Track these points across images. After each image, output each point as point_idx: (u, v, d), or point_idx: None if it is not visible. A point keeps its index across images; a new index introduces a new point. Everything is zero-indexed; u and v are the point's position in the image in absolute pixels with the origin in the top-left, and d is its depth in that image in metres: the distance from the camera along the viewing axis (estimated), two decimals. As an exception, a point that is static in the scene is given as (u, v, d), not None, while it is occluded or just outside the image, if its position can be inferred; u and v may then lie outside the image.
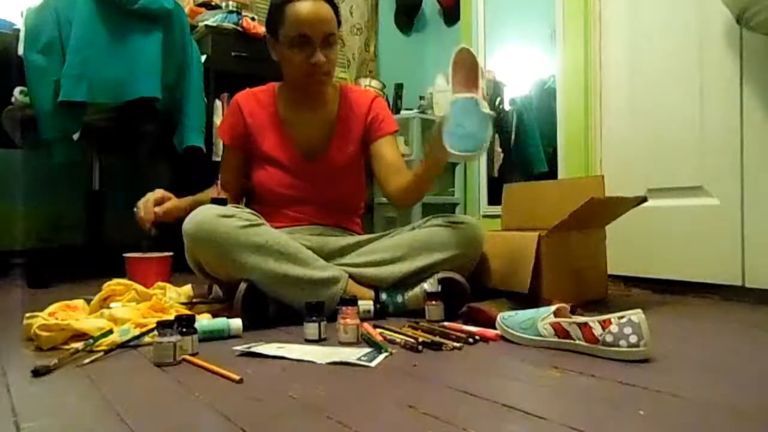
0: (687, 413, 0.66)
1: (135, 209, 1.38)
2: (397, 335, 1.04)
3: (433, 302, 1.22)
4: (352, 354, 0.91)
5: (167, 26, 1.94)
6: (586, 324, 0.92)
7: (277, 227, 1.31)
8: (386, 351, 0.94)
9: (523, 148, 2.58)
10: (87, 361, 0.89)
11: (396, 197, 1.45)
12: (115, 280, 1.32)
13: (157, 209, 1.37)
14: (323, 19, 1.34)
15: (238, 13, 2.42)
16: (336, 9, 1.39)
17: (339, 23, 1.41)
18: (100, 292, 1.28)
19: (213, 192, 1.45)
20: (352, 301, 1.06)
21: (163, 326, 0.89)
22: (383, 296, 1.30)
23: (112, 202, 2.45)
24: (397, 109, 2.92)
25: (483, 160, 2.58)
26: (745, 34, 1.53)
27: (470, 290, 1.30)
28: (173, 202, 1.41)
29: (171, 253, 1.80)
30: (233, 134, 1.51)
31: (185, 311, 1.18)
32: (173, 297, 1.37)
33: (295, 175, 1.45)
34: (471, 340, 1.01)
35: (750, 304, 1.49)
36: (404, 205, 1.48)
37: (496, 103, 2.71)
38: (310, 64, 1.35)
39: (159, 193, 1.40)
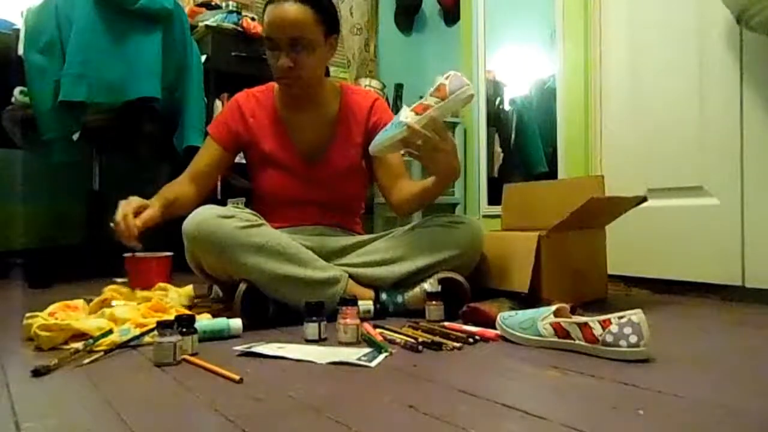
0: (687, 413, 0.66)
1: (112, 224, 1.22)
2: (397, 335, 1.04)
3: (433, 302, 1.22)
4: (352, 354, 0.91)
5: (167, 26, 1.94)
6: (586, 324, 0.92)
7: (277, 227, 1.31)
8: (386, 351, 0.93)
9: (523, 148, 2.58)
10: (87, 361, 0.89)
11: (398, 207, 1.46)
12: (116, 286, 1.33)
13: (138, 222, 1.22)
14: (290, 23, 1.29)
15: (238, 13, 2.42)
16: (322, 10, 1.32)
17: (331, 24, 1.36)
18: (101, 295, 1.28)
19: (186, 186, 1.45)
20: (352, 301, 1.06)
21: (163, 326, 0.89)
22: (383, 296, 1.30)
23: (112, 202, 2.45)
24: (397, 109, 2.92)
25: (483, 160, 2.58)
26: (745, 34, 1.53)
27: (470, 290, 1.30)
28: (149, 212, 1.26)
29: (171, 253, 1.80)
30: (227, 133, 1.47)
31: (185, 311, 1.18)
32: (174, 298, 1.37)
33: (295, 177, 1.45)
34: (471, 340, 1.01)
35: (750, 304, 1.49)
36: (405, 213, 1.49)
37: (496, 103, 2.71)
38: (276, 67, 1.34)
39: (135, 202, 1.26)
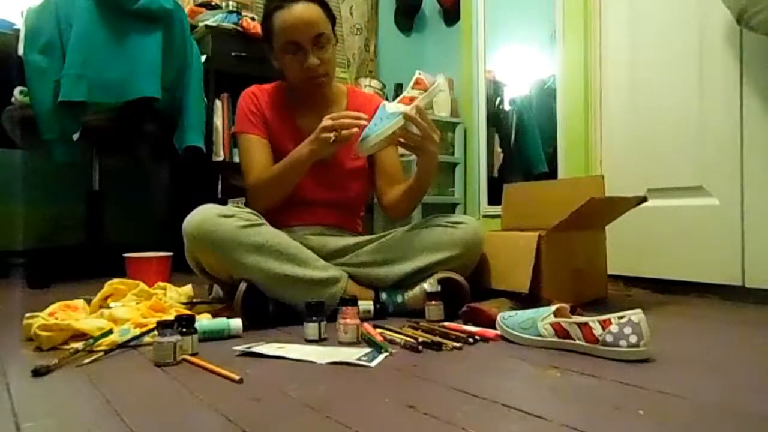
0: (687, 413, 0.66)
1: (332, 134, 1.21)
2: (397, 335, 1.04)
3: (433, 302, 1.22)
4: (352, 354, 0.91)
5: (167, 26, 1.93)
6: (586, 324, 0.92)
7: (278, 227, 1.31)
8: (386, 351, 0.93)
9: (523, 148, 2.58)
10: (87, 361, 0.89)
11: (389, 209, 1.48)
12: (118, 280, 1.33)
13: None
14: (309, 22, 1.32)
15: (238, 13, 2.41)
16: (326, 6, 1.37)
17: (333, 19, 1.39)
18: (102, 289, 1.29)
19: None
20: (352, 301, 1.06)
21: (163, 326, 0.89)
22: (383, 296, 1.30)
23: (112, 202, 2.46)
24: (397, 110, 2.92)
25: (483, 160, 2.58)
26: (745, 34, 1.53)
27: (470, 290, 1.30)
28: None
29: (171, 253, 1.80)
30: (259, 122, 1.43)
31: (185, 311, 1.18)
32: (173, 297, 1.37)
33: (305, 177, 1.44)
34: (471, 340, 1.01)
35: (750, 304, 1.49)
36: (396, 216, 1.48)
37: (496, 103, 2.71)
38: (304, 69, 1.35)
39: None
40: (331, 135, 1.21)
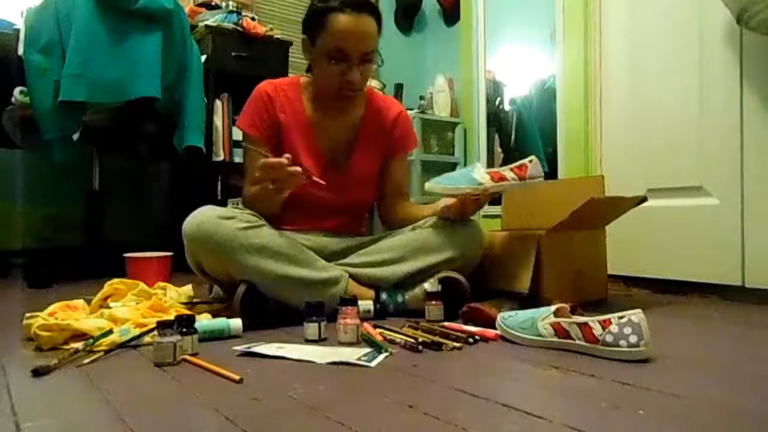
0: (687, 413, 0.66)
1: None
2: (397, 335, 1.04)
3: (433, 302, 1.22)
4: (352, 354, 0.91)
5: (167, 26, 1.94)
6: (586, 324, 0.92)
7: (282, 230, 1.30)
8: (386, 351, 0.93)
9: (523, 148, 2.58)
10: (87, 361, 0.89)
11: (387, 221, 1.51)
12: (118, 280, 1.33)
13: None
14: (365, 36, 1.27)
15: (238, 13, 2.42)
16: (379, 20, 1.32)
17: (380, 33, 1.33)
18: (102, 289, 1.29)
19: None
20: (352, 301, 1.06)
21: (163, 326, 0.89)
22: (383, 296, 1.30)
23: (112, 202, 2.46)
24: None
25: (483, 160, 2.59)
26: (745, 34, 1.53)
27: (470, 290, 1.30)
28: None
29: (171, 253, 1.80)
30: (264, 125, 1.38)
31: (185, 311, 1.18)
32: (173, 297, 1.37)
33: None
34: (471, 340, 1.01)
35: (750, 304, 1.49)
36: (389, 228, 1.49)
37: (496, 103, 2.71)
38: (344, 81, 1.30)
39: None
40: (272, 188, 1.16)
